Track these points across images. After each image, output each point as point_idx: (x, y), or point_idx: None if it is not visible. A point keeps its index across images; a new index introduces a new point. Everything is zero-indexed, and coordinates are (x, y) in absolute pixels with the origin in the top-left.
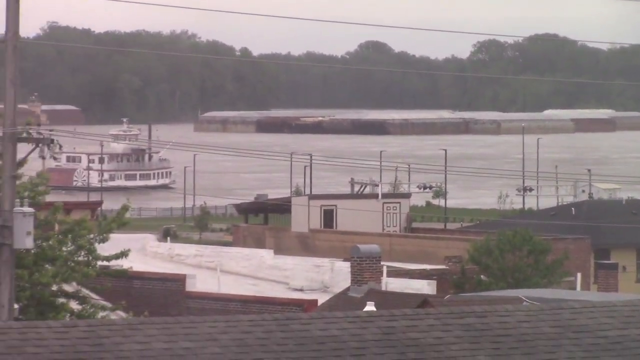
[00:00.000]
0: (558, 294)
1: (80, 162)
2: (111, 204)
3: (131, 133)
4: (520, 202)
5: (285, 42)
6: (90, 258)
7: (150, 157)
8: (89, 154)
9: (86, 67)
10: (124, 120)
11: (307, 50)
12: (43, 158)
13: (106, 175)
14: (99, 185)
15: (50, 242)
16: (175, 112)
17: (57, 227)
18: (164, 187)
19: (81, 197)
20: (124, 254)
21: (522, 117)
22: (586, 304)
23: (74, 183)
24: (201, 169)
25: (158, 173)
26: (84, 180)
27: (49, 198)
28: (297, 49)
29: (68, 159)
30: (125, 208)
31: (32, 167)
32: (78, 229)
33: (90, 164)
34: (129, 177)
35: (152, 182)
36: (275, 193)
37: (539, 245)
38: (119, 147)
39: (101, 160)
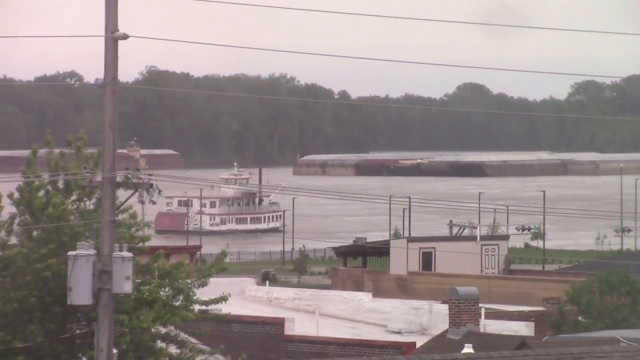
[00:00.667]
0: None
1: (192, 205)
2: (220, 248)
3: (242, 177)
4: (619, 243)
5: (383, 85)
6: (190, 302)
7: (260, 201)
8: (200, 198)
9: (185, 111)
10: (235, 164)
11: (405, 92)
12: (142, 203)
13: (217, 219)
14: (211, 229)
15: (149, 287)
16: (274, 155)
17: (156, 273)
18: (275, 230)
19: (184, 242)
20: (223, 299)
21: (620, 158)
22: None
23: (186, 227)
24: (303, 213)
25: (268, 217)
26: (196, 225)
27: (155, 242)
28: (396, 91)
29: (179, 203)
30: (224, 253)
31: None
32: (176, 272)
33: (202, 208)
34: (240, 221)
35: (263, 226)
36: (375, 236)
37: (637, 285)
38: (229, 190)
39: (213, 205)
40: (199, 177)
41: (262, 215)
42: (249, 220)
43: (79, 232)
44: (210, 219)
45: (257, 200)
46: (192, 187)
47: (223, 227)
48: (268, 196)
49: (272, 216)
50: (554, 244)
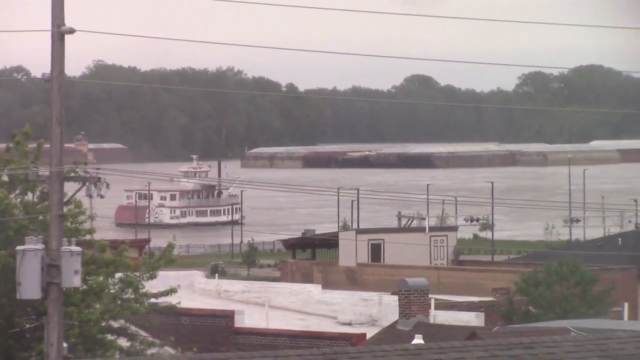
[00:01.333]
0: (605, 324)
1: (152, 199)
2: (184, 240)
3: (201, 169)
4: (567, 233)
5: (330, 77)
6: (139, 295)
7: (220, 194)
8: (159, 191)
9: (132, 105)
10: (194, 157)
11: (353, 84)
12: (90, 196)
13: (178, 212)
14: (172, 222)
15: (98, 278)
16: (222, 148)
17: (102, 262)
18: (234, 222)
19: (141, 235)
20: (172, 291)
21: (568, 149)
22: (633, 334)
23: (147, 220)
24: (254, 205)
25: (228, 209)
26: (156, 218)
27: (113, 235)
28: (343, 83)
29: (140, 196)
30: (171, 246)
31: (96, 206)
32: (119, 259)
33: (162, 201)
34: (200, 214)
35: (223, 218)
36: (324, 228)
37: (586, 275)
38: (188, 184)
39: (173, 197)
40: (153, 171)
41: (222, 208)
42: (209, 212)
43: (24, 225)
44: (171, 212)
45: (216, 193)
46: (152, 181)
47: (183, 220)
48: (227, 189)
49: (232, 209)
50: (504, 234)
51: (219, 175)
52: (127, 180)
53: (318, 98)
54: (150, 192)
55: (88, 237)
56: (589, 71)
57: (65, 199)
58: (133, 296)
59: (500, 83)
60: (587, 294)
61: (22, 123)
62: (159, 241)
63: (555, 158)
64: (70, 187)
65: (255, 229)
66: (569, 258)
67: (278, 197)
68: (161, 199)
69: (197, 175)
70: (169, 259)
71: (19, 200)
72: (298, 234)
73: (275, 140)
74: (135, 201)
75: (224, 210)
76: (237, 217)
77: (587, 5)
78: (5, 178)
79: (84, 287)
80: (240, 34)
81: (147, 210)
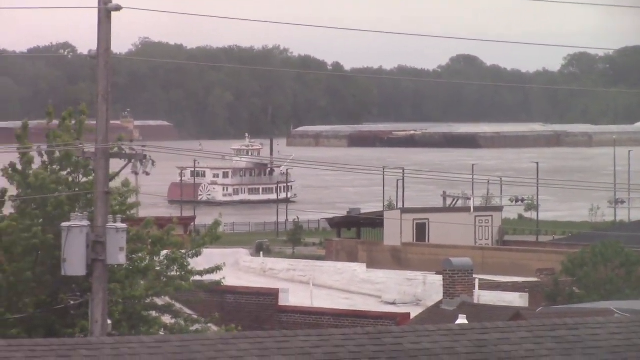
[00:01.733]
0: None
1: (204, 176)
2: (237, 218)
3: (254, 147)
4: (612, 215)
5: (377, 56)
6: (183, 272)
7: (272, 172)
8: (212, 169)
9: (178, 83)
10: (247, 135)
11: (399, 64)
12: (136, 174)
13: (230, 190)
14: (224, 200)
15: (141, 255)
16: (267, 127)
17: (149, 240)
18: (287, 200)
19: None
20: (217, 268)
21: (613, 130)
22: None
23: (199, 198)
24: (302, 184)
25: (280, 187)
26: (209, 195)
27: (161, 213)
28: (389, 63)
29: (192, 174)
30: (217, 223)
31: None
32: (167, 238)
33: (215, 179)
34: (252, 192)
35: (274, 197)
36: (370, 207)
37: (630, 257)
38: (241, 162)
39: (225, 175)
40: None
41: (274, 186)
42: (261, 190)
43: (62, 201)
44: (224, 190)
45: (268, 170)
46: (204, 159)
47: (236, 198)
48: (279, 167)
49: (284, 187)
50: (549, 215)
51: (271, 154)
52: (175, 158)
53: (364, 77)
54: (203, 169)
55: (132, 212)
56: (635, 52)
57: (111, 177)
58: (178, 273)
59: (545, 64)
60: (632, 276)
61: (69, 100)
62: (209, 219)
63: (600, 139)
64: (115, 165)
65: (303, 207)
66: (614, 239)
67: (325, 176)
68: (214, 176)
69: (250, 153)
70: (214, 236)
71: (70, 179)
72: (343, 213)
73: (321, 119)
74: (188, 177)
75: (276, 188)
76: (288, 195)
77: None
78: (57, 156)
79: (128, 263)
80: (286, 12)
81: (198, 188)
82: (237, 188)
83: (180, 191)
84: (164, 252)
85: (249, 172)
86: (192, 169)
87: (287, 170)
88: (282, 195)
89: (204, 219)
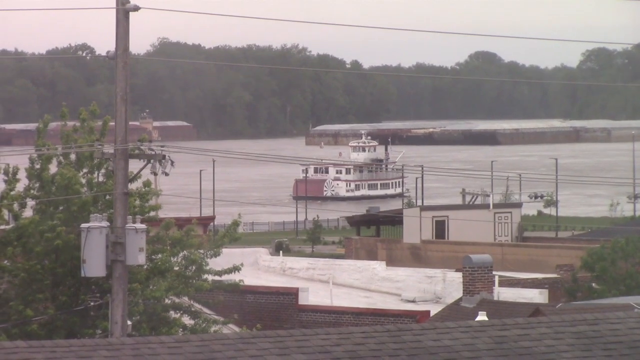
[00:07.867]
0: None
1: (327, 173)
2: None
3: (370, 145)
4: (631, 210)
5: (395, 54)
6: (202, 273)
7: (387, 167)
8: (335, 165)
9: (197, 83)
10: (363, 132)
11: (417, 61)
12: (155, 174)
13: (352, 185)
14: (348, 195)
15: (161, 256)
16: (286, 126)
17: (168, 242)
18: (400, 195)
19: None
20: (236, 269)
21: (633, 125)
22: None
23: (324, 193)
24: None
25: (394, 182)
26: (333, 191)
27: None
28: (407, 60)
29: (316, 170)
30: (236, 223)
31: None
32: (186, 239)
33: (338, 175)
34: (371, 187)
35: (391, 191)
36: (389, 205)
37: None
38: (359, 157)
39: (348, 171)
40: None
41: (390, 181)
42: (378, 186)
43: (87, 201)
44: (347, 185)
45: (384, 166)
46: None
47: (357, 193)
48: (394, 162)
49: (398, 182)
50: (568, 211)
51: (386, 150)
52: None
53: (382, 75)
54: (326, 166)
55: (152, 214)
56: None
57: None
58: (197, 274)
59: (564, 59)
60: None
61: (87, 101)
62: (333, 214)
63: (620, 134)
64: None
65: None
66: (634, 234)
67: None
68: (337, 172)
69: (367, 150)
70: (233, 236)
71: (85, 179)
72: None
73: (340, 117)
74: (312, 174)
75: (392, 183)
76: (402, 190)
77: None
78: (72, 157)
79: (148, 263)
80: (304, 11)
81: (323, 184)
82: (359, 184)
83: (309, 187)
84: (183, 252)
85: (367, 168)
86: (316, 166)
87: (402, 166)
88: (398, 190)
89: (327, 214)
